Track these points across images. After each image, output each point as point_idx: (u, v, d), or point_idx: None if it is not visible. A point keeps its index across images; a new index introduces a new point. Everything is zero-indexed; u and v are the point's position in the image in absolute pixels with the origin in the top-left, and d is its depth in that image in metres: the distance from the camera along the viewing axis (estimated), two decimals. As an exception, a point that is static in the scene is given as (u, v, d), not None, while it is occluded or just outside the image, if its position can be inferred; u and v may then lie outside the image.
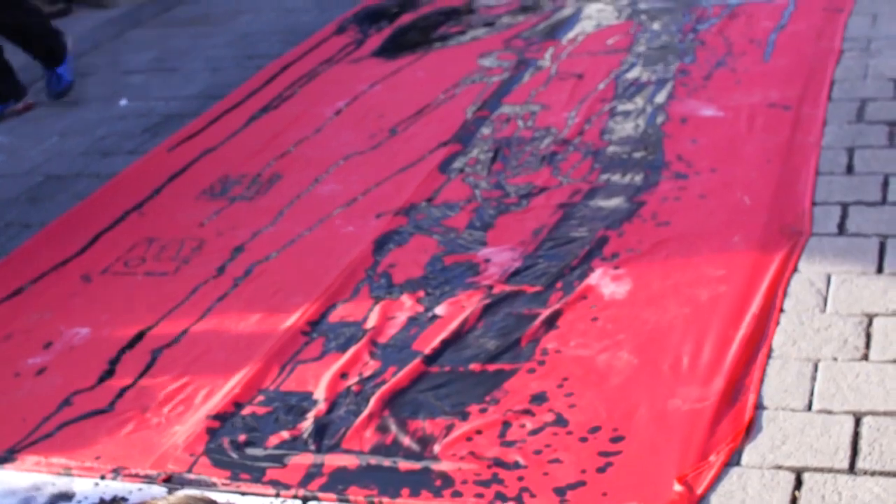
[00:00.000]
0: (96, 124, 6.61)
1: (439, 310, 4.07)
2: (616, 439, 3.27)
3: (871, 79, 5.57)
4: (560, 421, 3.39)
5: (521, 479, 3.16)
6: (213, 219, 5.11)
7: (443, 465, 3.27)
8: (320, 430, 3.52)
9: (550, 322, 3.88)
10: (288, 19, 8.15)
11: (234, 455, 3.46)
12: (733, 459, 3.11)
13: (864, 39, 6.09)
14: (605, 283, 4.08)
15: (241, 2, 8.84)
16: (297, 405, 3.66)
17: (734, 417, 3.27)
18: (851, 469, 3.02)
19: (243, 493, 3.29)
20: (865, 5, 6.63)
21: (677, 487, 3.01)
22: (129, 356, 4.13)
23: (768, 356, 3.53)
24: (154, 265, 4.78)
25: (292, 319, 4.15)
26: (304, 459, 3.40)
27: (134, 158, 6.01)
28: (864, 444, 3.09)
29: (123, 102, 6.91)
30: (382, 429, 3.49)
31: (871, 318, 3.65)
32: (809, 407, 3.28)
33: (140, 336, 4.26)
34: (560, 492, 3.09)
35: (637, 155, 5.09)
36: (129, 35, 8.43)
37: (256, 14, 8.42)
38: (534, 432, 3.36)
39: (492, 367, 3.69)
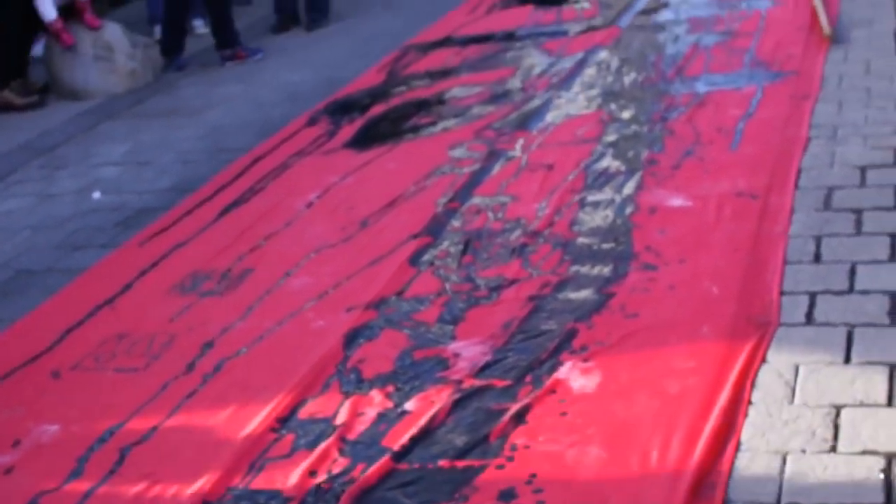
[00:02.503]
0: (69, 218, 6.63)
1: (409, 405, 4.06)
2: (585, 536, 3.26)
3: (837, 166, 5.62)
4: (529, 518, 3.38)
5: (490, 577, 3.15)
6: (184, 314, 5.10)
7: (412, 565, 3.25)
8: (289, 529, 3.50)
9: (519, 417, 3.87)
10: (259, 112, 8.21)
11: (202, 556, 3.44)
12: (703, 555, 3.11)
13: (831, 127, 6.15)
14: (575, 376, 4.08)
15: (212, 95, 8.89)
16: (266, 503, 3.65)
17: (703, 512, 3.27)
18: (821, 563, 3.02)
19: None
20: (831, 92, 6.71)
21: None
22: (98, 454, 4.10)
23: (737, 449, 3.53)
24: (124, 361, 4.77)
25: (261, 416, 4.13)
26: (273, 560, 3.38)
27: (106, 252, 6.01)
28: (833, 539, 3.09)
29: (96, 195, 6.93)
30: (351, 527, 3.47)
31: (838, 410, 3.65)
32: (778, 500, 3.28)
33: (109, 433, 4.23)
34: (529, 590, 3.07)
35: (606, 246, 5.11)
36: (103, 127, 8.47)
37: (228, 107, 8.47)
38: (503, 529, 3.34)
39: (461, 464, 3.68)
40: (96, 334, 5.06)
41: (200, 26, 11.11)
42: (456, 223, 5.59)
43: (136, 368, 4.69)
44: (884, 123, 6.07)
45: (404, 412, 4.03)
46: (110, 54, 9.24)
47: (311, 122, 7.66)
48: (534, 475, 3.56)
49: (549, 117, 6.98)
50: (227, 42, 9.97)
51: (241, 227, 5.98)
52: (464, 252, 5.26)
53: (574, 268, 4.95)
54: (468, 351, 4.37)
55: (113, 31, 9.37)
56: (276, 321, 4.87)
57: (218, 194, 6.54)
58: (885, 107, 6.32)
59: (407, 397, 4.12)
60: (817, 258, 4.71)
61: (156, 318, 5.12)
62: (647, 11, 9.40)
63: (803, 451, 3.47)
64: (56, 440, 4.26)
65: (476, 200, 5.83)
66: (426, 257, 5.26)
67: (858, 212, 5.08)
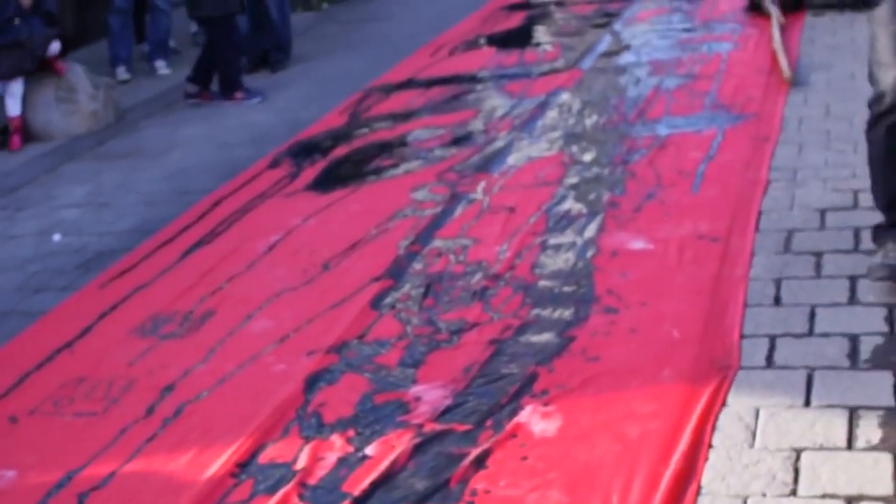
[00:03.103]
0: (30, 260, 6.59)
1: (369, 450, 4.04)
2: (546, 582, 3.25)
3: (797, 209, 5.65)
4: (490, 563, 3.36)
5: None
6: (144, 357, 5.07)
7: None
8: (248, 576, 3.48)
9: (480, 461, 3.86)
10: (221, 154, 8.19)
11: None
12: None
13: (791, 170, 6.19)
14: (535, 420, 4.08)
15: (174, 136, 8.88)
16: (225, 550, 3.62)
17: (664, 557, 3.27)
18: None
19: None
20: (791, 135, 6.76)
21: None
22: (56, 500, 4.07)
23: (697, 493, 3.53)
24: (83, 405, 4.73)
25: (221, 461, 4.10)
26: None
27: (66, 295, 5.98)
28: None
29: (57, 237, 6.89)
30: (311, 574, 3.45)
31: (798, 453, 3.66)
32: (739, 545, 3.29)
33: (67, 478, 4.19)
34: None
35: (568, 289, 5.11)
36: (64, 168, 8.43)
37: (190, 149, 8.46)
38: (463, 576, 3.33)
39: (422, 509, 3.67)
40: (55, 378, 5.01)
41: (163, 67, 11.11)
42: (417, 266, 5.59)
43: (95, 412, 4.65)
44: (843, 166, 6.11)
45: (365, 457, 4.01)
46: (73, 95, 9.22)
47: (274, 164, 7.65)
48: (494, 520, 3.56)
49: (511, 160, 6.99)
50: (228, 86, 9.89)
51: (203, 270, 5.96)
52: (425, 295, 5.25)
53: (535, 311, 4.95)
54: (429, 395, 4.36)
55: (75, 73, 9.35)
56: (237, 364, 4.85)
57: (180, 236, 6.52)
58: (845, 150, 6.37)
59: (367, 441, 4.11)
60: (777, 301, 4.74)
61: (116, 361, 5.09)
62: (608, 54, 9.46)
63: (764, 495, 3.48)
64: (13, 486, 4.22)
65: (438, 243, 5.84)
66: (388, 300, 5.26)
67: (818, 254, 5.11)
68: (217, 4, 9.63)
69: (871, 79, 4.66)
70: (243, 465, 4.07)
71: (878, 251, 4.72)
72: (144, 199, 7.40)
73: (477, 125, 7.86)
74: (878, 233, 4.81)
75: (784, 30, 9.10)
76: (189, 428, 4.40)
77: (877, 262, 4.66)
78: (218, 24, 9.79)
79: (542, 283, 5.22)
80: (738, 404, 3.99)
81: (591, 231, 5.72)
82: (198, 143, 8.61)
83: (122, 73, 10.86)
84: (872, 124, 4.70)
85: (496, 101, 8.43)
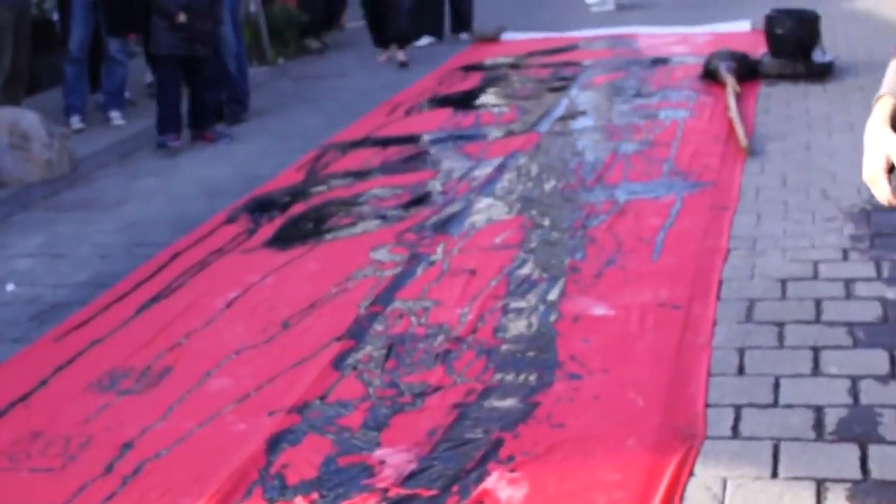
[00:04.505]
0: (-19, 311, 6.50)
1: (334, 513, 4.01)
2: None
3: (757, 278, 5.70)
4: None
5: None
6: (102, 413, 5.00)
7: None
8: None
9: (447, 528, 3.84)
10: (177, 207, 8.14)
11: None
12: None
13: (750, 238, 6.24)
14: (502, 486, 4.05)
15: (129, 188, 8.81)
16: None
17: None
18: None
19: None
20: (749, 204, 6.82)
21: None
22: (13, 559, 4.01)
23: (667, 565, 3.52)
24: (40, 461, 4.65)
25: (183, 522, 4.06)
26: None
27: (19, 347, 5.89)
28: None
29: (10, 288, 6.81)
30: None
31: (767, 526, 3.67)
32: None
33: (23, 537, 4.13)
34: None
35: (530, 354, 5.11)
36: (17, 218, 8.34)
37: (145, 201, 8.40)
38: None
39: (388, 575, 3.64)
40: (10, 433, 4.93)
41: (117, 117, 11.04)
42: (379, 327, 5.56)
43: (52, 468, 4.57)
44: (801, 236, 6.18)
45: (330, 521, 3.98)
46: (26, 143, 9.13)
47: (231, 219, 7.60)
48: (463, 588, 3.53)
49: (470, 222, 6.99)
50: (200, 123, 9.99)
51: (160, 325, 5.90)
52: (387, 357, 5.23)
53: (498, 375, 4.94)
54: (393, 458, 4.33)
55: (29, 120, 9.27)
56: (198, 423, 4.79)
57: (136, 290, 6.45)
58: (802, 220, 6.44)
59: (332, 505, 4.07)
60: (741, 370, 4.76)
61: (73, 416, 5.01)
62: (565, 118, 9.51)
63: (733, 568, 3.47)
64: (-32, 543, 4.15)
65: (398, 304, 5.81)
66: (349, 361, 5.23)
67: (780, 325, 5.14)
68: (159, 44, 9.78)
69: None
70: (205, 527, 4.02)
71: None
72: (99, 251, 7.32)
73: (435, 186, 7.86)
74: None
75: (739, 99, 9.20)
76: (150, 486, 4.34)
77: None
78: (160, 63, 10.01)
79: (505, 347, 5.21)
80: (705, 475, 4.00)
81: (552, 295, 5.73)
82: (153, 195, 8.55)
83: (76, 122, 10.78)
84: None
85: (454, 163, 8.43)
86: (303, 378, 5.08)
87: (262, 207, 7.79)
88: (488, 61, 12.61)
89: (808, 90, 9.66)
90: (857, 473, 3.92)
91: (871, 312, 5.20)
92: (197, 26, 9.80)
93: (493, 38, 14.06)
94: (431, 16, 14.46)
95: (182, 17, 9.68)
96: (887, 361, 4.72)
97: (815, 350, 4.86)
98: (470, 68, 12.35)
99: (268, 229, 7.32)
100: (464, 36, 14.43)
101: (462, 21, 14.54)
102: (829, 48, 10.87)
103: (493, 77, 11.72)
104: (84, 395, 5.21)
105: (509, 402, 4.68)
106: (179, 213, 7.96)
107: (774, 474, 3.96)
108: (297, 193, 8.05)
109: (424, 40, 14.24)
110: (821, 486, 3.86)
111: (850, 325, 5.08)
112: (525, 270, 6.09)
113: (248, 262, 6.75)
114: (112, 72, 11.01)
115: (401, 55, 12.94)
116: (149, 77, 11.98)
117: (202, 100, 10.17)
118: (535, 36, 13.94)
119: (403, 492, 4.09)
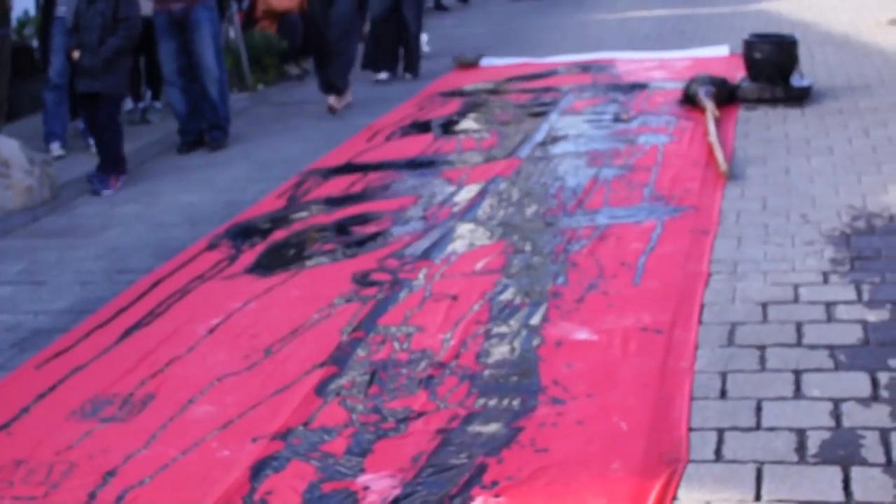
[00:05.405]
0: (-39, 338, 6.49)
1: (319, 540, 4.01)
2: None
3: (739, 302, 5.72)
4: None
5: None
6: (84, 440, 4.99)
7: None
8: None
9: (432, 553, 3.84)
10: (158, 234, 8.14)
11: None
12: None
13: (731, 262, 6.26)
14: (487, 512, 4.06)
15: (110, 215, 8.80)
16: None
17: None
18: None
19: None
20: (730, 228, 6.85)
21: None
22: (-5, 588, 3.99)
23: (652, 589, 3.53)
24: (22, 489, 4.63)
25: (166, 549, 4.05)
26: None
27: (0, 375, 5.87)
28: None
29: (-10, 315, 6.80)
30: None
31: (751, 549, 3.68)
32: None
33: (5, 566, 4.11)
34: None
35: (513, 379, 5.12)
36: (-3, 245, 8.34)
37: (126, 228, 8.39)
38: None
39: None
40: (-8, 461, 4.92)
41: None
42: (361, 353, 5.56)
43: (35, 497, 4.55)
44: (782, 260, 6.20)
45: (314, 547, 3.97)
46: (6, 170, 9.11)
47: (212, 245, 7.60)
48: None
49: (452, 247, 7.00)
50: (104, 165, 9.84)
51: (143, 351, 5.89)
52: (370, 383, 5.23)
53: (482, 400, 4.95)
54: (377, 484, 4.33)
55: (10, 147, 9.26)
56: (181, 450, 4.78)
57: (117, 317, 6.44)
58: (783, 244, 6.47)
59: (316, 532, 4.07)
60: (723, 394, 4.78)
61: (55, 444, 4.99)
62: (546, 143, 9.52)
63: (718, 592, 3.48)
64: (-50, 572, 4.13)
65: (381, 330, 5.82)
66: (332, 387, 5.22)
67: (762, 348, 5.16)
68: (105, 83, 9.76)
69: None
70: (189, 554, 4.02)
71: None
72: (80, 278, 7.31)
73: (416, 211, 7.87)
74: None
75: (718, 123, 9.23)
76: (133, 515, 4.33)
77: None
78: (105, 101, 9.89)
79: (488, 372, 5.22)
80: (688, 498, 4.01)
81: (534, 320, 5.74)
82: (134, 221, 8.54)
83: (56, 148, 10.77)
84: None
85: (435, 188, 8.44)
86: (286, 404, 5.08)
87: (243, 234, 7.78)
88: (468, 87, 12.63)
89: (786, 114, 9.71)
90: (840, 496, 3.93)
91: (852, 335, 5.23)
92: (83, 62, 9.76)
93: (472, 64, 14.06)
94: (386, 52, 13.99)
95: (76, 55, 9.76)
96: (869, 384, 4.74)
97: (797, 373, 4.88)
98: (450, 94, 12.37)
99: (249, 256, 7.31)
100: (408, 77, 14.07)
101: (408, 62, 14.15)
102: (808, 72, 10.94)
103: (473, 102, 11.74)
104: (66, 422, 5.20)
105: (493, 427, 4.68)
106: (160, 240, 7.96)
107: (758, 497, 3.97)
108: (279, 220, 8.05)
109: (383, 75, 13.95)
110: (804, 509, 3.88)
111: (832, 348, 5.10)
112: (507, 296, 6.11)
113: (230, 288, 6.74)
114: (92, 98, 10.99)
115: (331, 100, 12.37)
116: (129, 103, 11.99)
117: (97, 139, 10.09)
118: (515, 61, 13.97)
119: (388, 518, 4.09)
